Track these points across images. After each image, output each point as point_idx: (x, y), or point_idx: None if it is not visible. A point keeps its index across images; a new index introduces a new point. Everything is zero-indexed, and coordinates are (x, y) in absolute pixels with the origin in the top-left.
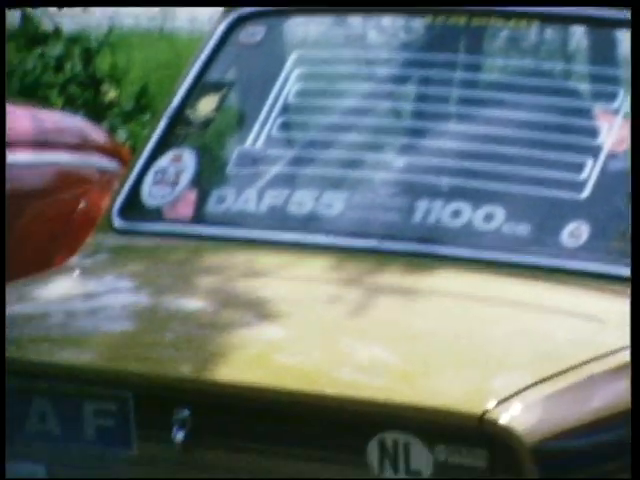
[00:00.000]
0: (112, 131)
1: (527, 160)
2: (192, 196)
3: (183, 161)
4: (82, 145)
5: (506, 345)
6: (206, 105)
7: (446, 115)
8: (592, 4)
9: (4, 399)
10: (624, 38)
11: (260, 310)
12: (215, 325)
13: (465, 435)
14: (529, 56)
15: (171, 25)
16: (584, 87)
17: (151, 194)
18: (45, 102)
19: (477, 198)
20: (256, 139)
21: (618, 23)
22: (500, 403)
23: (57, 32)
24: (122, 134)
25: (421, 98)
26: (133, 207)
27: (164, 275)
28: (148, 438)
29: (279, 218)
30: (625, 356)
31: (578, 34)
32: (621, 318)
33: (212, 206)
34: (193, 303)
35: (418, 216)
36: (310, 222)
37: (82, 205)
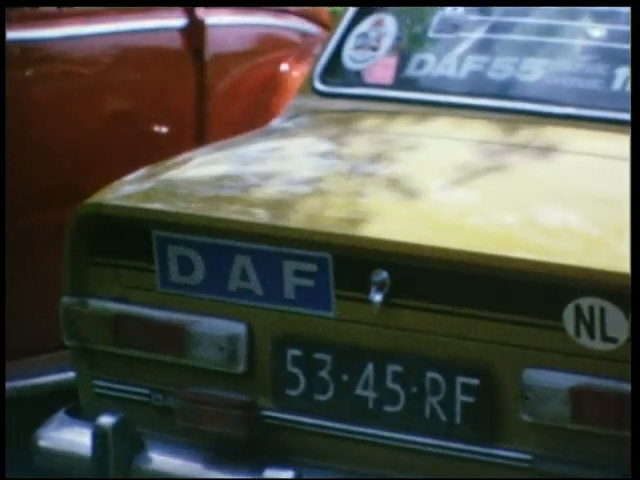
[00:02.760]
0: None
1: None
2: (392, 61)
3: (384, 25)
4: (284, 9)
5: None
6: None
7: None
8: (592, 4)
9: (4, 399)
10: None
11: (453, 175)
12: (409, 189)
13: None
14: None
15: None
16: None
17: (352, 58)
18: None
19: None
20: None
21: None
22: None
23: None
24: None
25: None
26: (334, 71)
27: (362, 139)
28: (346, 299)
29: (478, 84)
30: None
31: None
32: None
33: (412, 71)
34: (388, 168)
35: (617, 84)
36: (509, 88)
37: (284, 68)
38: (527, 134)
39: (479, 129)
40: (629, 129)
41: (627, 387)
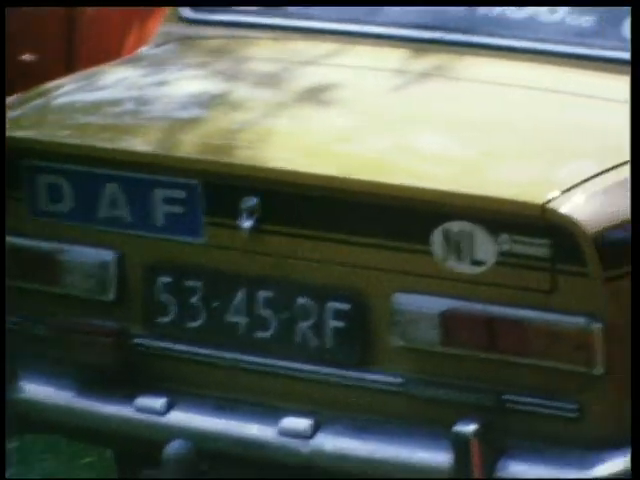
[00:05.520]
0: None
1: None
2: None
3: None
4: None
5: (570, 136)
6: None
7: None
8: (592, 4)
9: (4, 398)
10: None
11: (326, 100)
12: (283, 115)
13: (528, 225)
14: None
15: None
16: None
17: None
18: None
19: None
20: None
21: None
22: (563, 192)
23: None
24: None
25: None
26: None
27: (231, 65)
28: (216, 226)
29: (342, 10)
30: None
31: None
32: None
33: None
34: (260, 93)
35: (483, 8)
36: (378, 14)
37: None
38: (413, 61)
39: (360, 56)
40: (498, 52)
41: (495, 309)
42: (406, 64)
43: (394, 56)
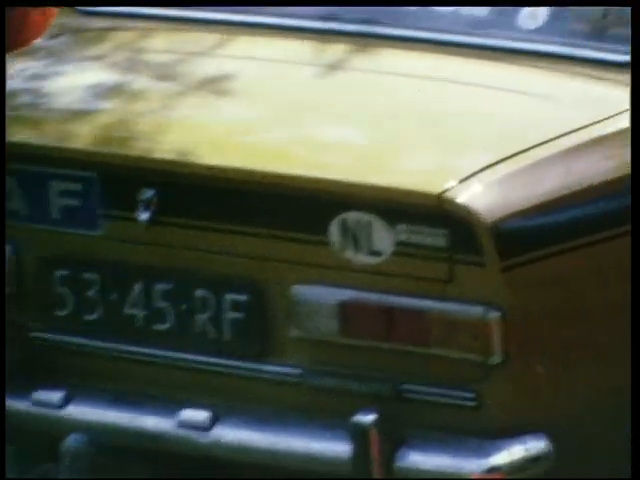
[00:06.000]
0: None
1: None
2: None
3: None
4: None
5: (466, 126)
6: None
7: None
8: (592, 4)
9: (4, 396)
10: None
11: (224, 91)
12: (180, 106)
13: (425, 214)
14: None
15: None
16: None
17: None
18: None
19: None
20: None
21: None
22: (460, 182)
23: None
24: None
25: None
26: None
27: (127, 56)
28: (113, 218)
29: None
30: (584, 135)
31: None
32: (578, 98)
33: None
34: (157, 84)
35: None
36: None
37: None
38: (315, 52)
39: (261, 47)
40: (394, 43)
41: (393, 299)
42: (308, 55)
43: (296, 47)
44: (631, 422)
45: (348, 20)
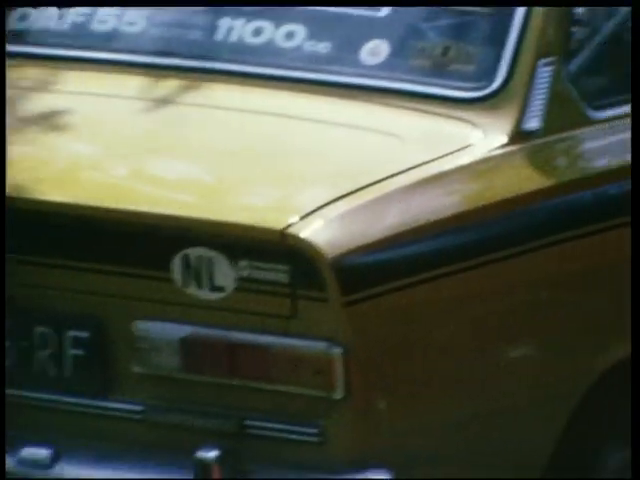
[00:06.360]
0: None
1: None
2: None
3: None
4: None
5: (308, 162)
6: None
7: None
8: (592, 4)
9: (4, 399)
10: None
11: (61, 127)
12: (20, 141)
13: (267, 250)
14: None
15: None
16: None
17: None
18: None
19: (278, 17)
20: None
21: None
22: (302, 218)
23: None
24: None
25: None
26: None
27: None
28: None
29: (81, 36)
30: (424, 171)
31: None
32: (420, 134)
33: (13, 24)
34: None
35: (220, 34)
36: (113, 40)
37: None
38: (151, 88)
39: (95, 83)
40: (236, 79)
41: (236, 335)
42: (144, 91)
43: (131, 83)
44: (631, 422)
45: (186, 56)
